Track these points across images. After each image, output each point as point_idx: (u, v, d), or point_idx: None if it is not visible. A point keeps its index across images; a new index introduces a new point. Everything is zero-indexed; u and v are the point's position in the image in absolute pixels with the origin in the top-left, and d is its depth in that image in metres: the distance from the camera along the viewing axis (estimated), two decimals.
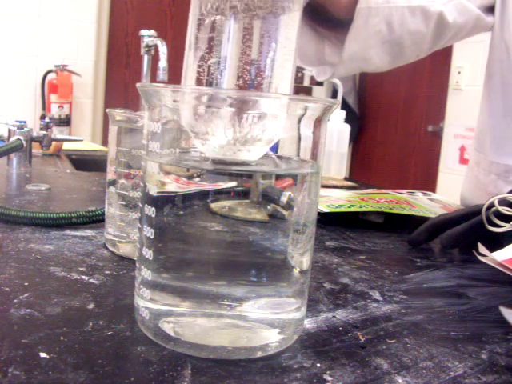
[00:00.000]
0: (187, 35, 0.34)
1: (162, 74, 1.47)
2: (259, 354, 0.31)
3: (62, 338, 0.31)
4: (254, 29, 0.32)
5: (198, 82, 0.33)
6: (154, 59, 1.52)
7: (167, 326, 0.32)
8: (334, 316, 0.39)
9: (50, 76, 2.36)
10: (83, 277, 0.43)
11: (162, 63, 1.47)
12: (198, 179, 0.31)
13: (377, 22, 0.74)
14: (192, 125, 0.31)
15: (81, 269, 0.44)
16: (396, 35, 0.77)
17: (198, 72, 0.33)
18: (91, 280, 0.42)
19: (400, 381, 0.30)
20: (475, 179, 0.92)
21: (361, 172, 3.40)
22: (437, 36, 0.80)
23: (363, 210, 0.71)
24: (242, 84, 0.33)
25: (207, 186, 0.31)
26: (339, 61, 0.77)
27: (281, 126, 0.31)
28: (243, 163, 0.32)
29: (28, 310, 0.35)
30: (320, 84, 3.42)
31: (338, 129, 1.20)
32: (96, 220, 0.58)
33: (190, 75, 0.33)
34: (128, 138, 0.49)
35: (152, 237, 0.32)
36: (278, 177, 0.32)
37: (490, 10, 0.84)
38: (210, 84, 0.33)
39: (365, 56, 0.78)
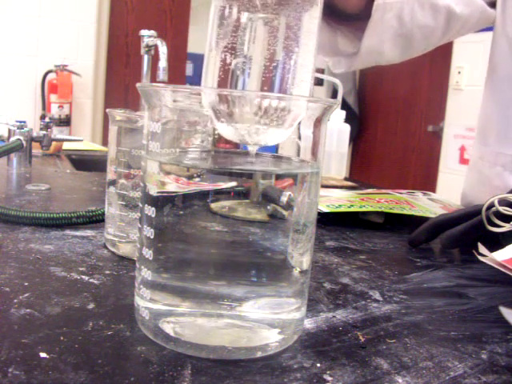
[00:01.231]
0: (209, 29, 0.34)
1: (162, 74, 1.47)
2: (259, 354, 0.31)
3: (61, 338, 0.31)
4: (279, 23, 0.33)
5: (223, 70, 0.33)
6: (154, 59, 1.52)
7: (167, 326, 0.32)
8: (334, 316, 0.39)
9: (50, 76, 2.36)
10: (83, 277, 0.43)
11: (162, 63, 1.47)
12: (198, 179, 0.31)
13: (390, 17, 0.77)
14: (215, 105, 0.31)
15: (81, 269, 0.44)
16: (407, 29, 0.80)
17: (223, 60, 0.33)
18: (91, 280, 0.42)
19: (400, 381, 0.30)
20: (479, 174, 0.93)
21: (361, 172, 3.40)
22: (445, 29, 0.83)
23: (363, 209, 0.71)
24: (267, 77, 0.33)
25: (207, 186, 0.31)
26: (353, 51, 0.81)
27: (303, 108, 0.31)
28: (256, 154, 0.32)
29: (28, 310, 0.35)
30: (320, 84, 3.42)
31: (338, 129, 1.20)
32: (96, 220, 0.58)
33: (214, 62, 0.33)
34: (128, 138, 0.49)
35: (152, 237, 0.32)
36: (278, 177, 0.32)
37: (493, 4, 0.86)
38: (235, 79, 0.33)
39: (379, 50, 0.82)
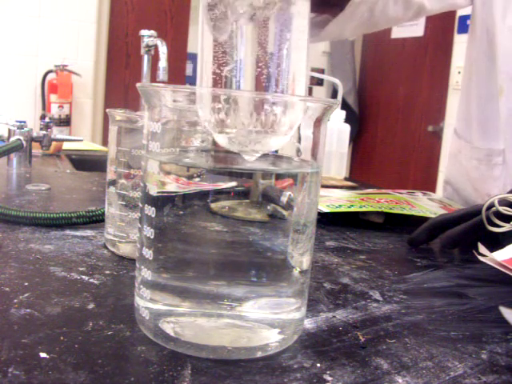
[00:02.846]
0: (199, 36, 0.34)
1: (161, 74, 1.47)
2: (259, 354, 0.31)
3: (61, 338, 0.31)
4: (269, 24, 0.33)
5: (215, 80, 0.33)
6: (154, 59, 1.52)
7: (167, 326, 0.32)
8: (334, 316, 0.39)
9: (50, 76, 2.36)
10: (83, 277, 0.43)
11: (162, 63, 1.46)
12: (197, 179, 0.31)
13: (362, 10, 0.80)
14: (210, 117, 0.31)
15: (81, 269, 0.44)
16: (375, 20, 0.84)
17: (215, 71, 0.33)
18: (91, 280, 0.42)
19: (400, 381, 0.30)
20: (458, 165, 0.97)
21: (361, 172, 3.40)
22: (411, 19, 0.89)
23: (363, 209, 0.71)
24: (261, 77, 0.33)
25: (207, 186, 0.31)
26: (317, 20, 0.84)
27: (299, 113, 0.31)
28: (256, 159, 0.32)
29: (28, 310, 0.35)
30: (320, 84, 3.42)
31: (338, 129, 1.20)
32: (96, 220, 0.58)
33: (207, 70, 0.33)
34: (128, 138, 0.49)
35: (152, 237, 0.32)
36: (278, 176, 0.32)
37: None
38: (228, 82, 0.33)
39: (339, 34, 0.86)
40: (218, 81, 0.33)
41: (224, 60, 0.33)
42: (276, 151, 0.34)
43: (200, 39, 0.34)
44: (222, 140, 0.32)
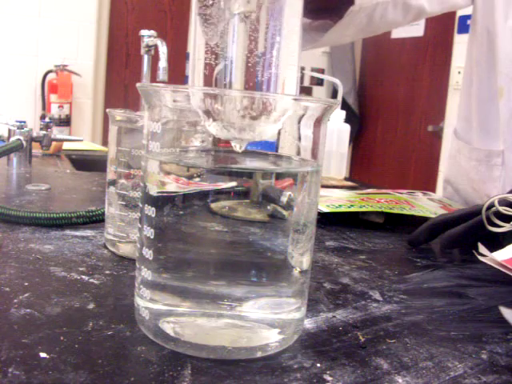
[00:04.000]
0: (191, 29, 0.34)
1: (161, 74, 1.47)
2: (259, 354, 0.31)
3: (61, 338, 0.31)
4: (260, 19, 0.33)
5: (207, 67, 0.33)
6: (154, 59, 1.52)
7: (167, 326, 0.32)
8: (334, 316, 0.39)
9: (50, 76, 2.37)
10: (83, 277, 0.43)
11: (162, 63, 1.46)
12: (198, 179, 0.31)
13: (361, 17, 0.80)
14: (202, 105, 0.31)
15: (81, 269, 0.44)
16: (374, 25, 0.84)
17: (206, 57, 0.33)
18: (91, 280, 0.42)
19: (400, 381, 0.30)
20: (457, 166, 0.96)
21: (361, 172, 3.40)
22: (410, 22, 0.89)
23: (363, 209, 0.71)
24: (251, 73, 0.33)
25: (207, 185, 0.31)
26: (312, 25, 0.84)
27: (288, 103, 0.31)
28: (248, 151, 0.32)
29: (28, 310, 0.35)
30: (320, 84, 3.42)
31: (338, 129, 1.20)
32: (96, 220, 0.58)
33: (199, 63, 0.34)
34: (128, 138, 0.49)
35: (152, 237, 0.32)
36: (279, 176, 0.32)
37: None
38: (219, 76, 0.33)
39: (339, 40, 0.88)
40: (209, 67, 0.33)
41: (215, 50, 0.33)
42: (276, 150, 0.34)
43: (193, 28, 0.34)
44: (213, 128, 0.32)
